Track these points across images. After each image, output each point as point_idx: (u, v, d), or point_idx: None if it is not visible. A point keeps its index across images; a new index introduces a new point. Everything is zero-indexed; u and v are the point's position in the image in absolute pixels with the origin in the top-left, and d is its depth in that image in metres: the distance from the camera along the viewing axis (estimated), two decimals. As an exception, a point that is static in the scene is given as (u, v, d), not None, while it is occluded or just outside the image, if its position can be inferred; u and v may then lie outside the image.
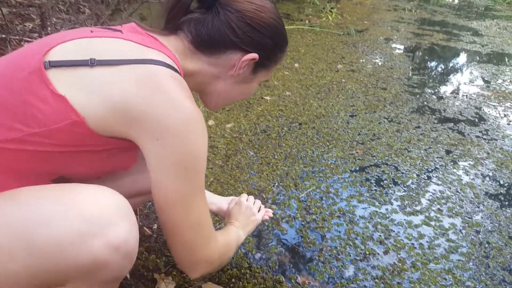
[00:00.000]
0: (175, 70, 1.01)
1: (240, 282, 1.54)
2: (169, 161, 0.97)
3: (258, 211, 1.59)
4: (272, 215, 1.67)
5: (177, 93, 0.96)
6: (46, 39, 1.03)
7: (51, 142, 0.91)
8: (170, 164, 0.97)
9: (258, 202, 1.62)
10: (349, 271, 1.66)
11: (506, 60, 5.32)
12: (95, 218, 0.87)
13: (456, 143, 2.85)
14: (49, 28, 3.30)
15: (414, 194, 2.21)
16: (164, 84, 0.95)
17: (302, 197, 2.11)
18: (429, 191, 2.26)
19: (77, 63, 0.93)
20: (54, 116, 0.89)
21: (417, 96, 3.73)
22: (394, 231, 1.91)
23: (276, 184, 2.19)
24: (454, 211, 2.09)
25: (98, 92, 0.91)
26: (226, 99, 1.27)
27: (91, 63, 0.92)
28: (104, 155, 1.02)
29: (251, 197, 1.63)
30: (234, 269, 1.60)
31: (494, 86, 4.20)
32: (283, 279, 1.59)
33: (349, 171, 2.38)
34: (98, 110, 0.91)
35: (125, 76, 0.93)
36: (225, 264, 1.31)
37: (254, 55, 1.13)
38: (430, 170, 2.48)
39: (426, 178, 2.39)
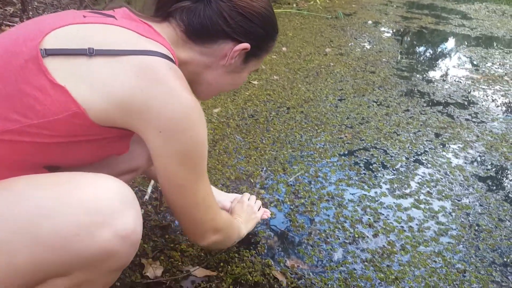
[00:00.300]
0: (171, 60, 1.00)
1: (229, 266, 1.53)
2: (174, 151, 0.99)
3: (258, 210, 1.68)
4: (270, 215, 1.76)
5: (176, 84, 0.96)
6: (35, 23, 1.00)
7: (50, 133, 0.89)
8: (175, 154, 1.00)
9: (259, 202, 1.72)
10: (338, 254, 1.65)
11: (495, 43, 5.32)
12: (101, 208, 0.87)
13: (446, 126, 2.84)
14: (30, 13, 3.24)
15: (403, 177, 2.20)
16: (163, 75, 0.95)
17: (290, 181, 2.09)
18: (419, 174, 2.24)
19: (74, 52, 0.91)
20: (53, 107, 0.87)
21: (406, 79, 3.72)
22: (383, 214, 1.89)
23: (264, 168, 2.17)
24: (443, 194, 2.08)
25: (98, 84, 0.90)
26: (217, 89, 1.27)
27: (90, 52, 0.90)
28: (101, 143, 1.01)
29: (253, 197, 1.72)
30: (223, 253, 1.58)
31: (483, 69, 4.20)
32: (272, 263, 1.57)
33: (337, 155, 2.37)
34: (98, 101, 0.90)
35: (124, 67, 0.92)
36: (228, 244, 1.39)
37: (246, 45, 1.12)
38: (419, 153, 2.46)
39: (416, 161, 2.38)
